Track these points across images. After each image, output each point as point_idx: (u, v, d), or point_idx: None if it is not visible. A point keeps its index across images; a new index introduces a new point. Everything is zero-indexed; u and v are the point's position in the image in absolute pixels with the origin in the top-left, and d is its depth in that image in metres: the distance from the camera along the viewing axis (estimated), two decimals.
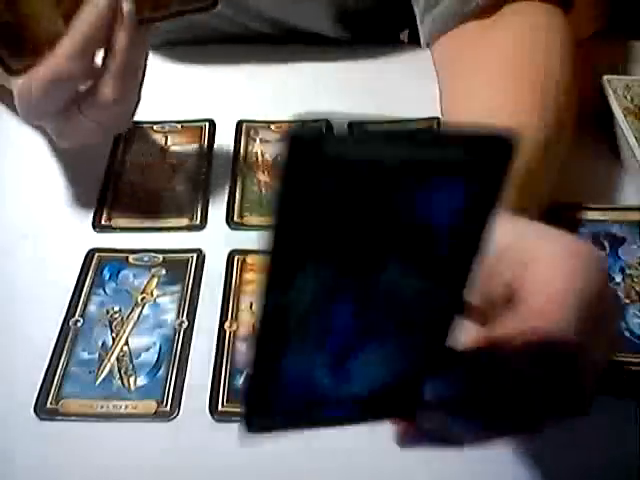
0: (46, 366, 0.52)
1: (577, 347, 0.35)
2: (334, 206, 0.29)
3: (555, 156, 0.56)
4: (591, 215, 0.61)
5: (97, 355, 0.52)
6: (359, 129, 0.29)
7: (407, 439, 0.37)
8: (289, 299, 0.31)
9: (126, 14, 0.53)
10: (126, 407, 0.50)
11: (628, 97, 0.69)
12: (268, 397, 0.33)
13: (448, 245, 0.31)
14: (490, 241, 0.34)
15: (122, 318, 0.55)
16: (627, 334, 0.52)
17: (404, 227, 0.31)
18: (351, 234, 0.30)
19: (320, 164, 0.28)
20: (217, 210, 0.63)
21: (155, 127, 0.71)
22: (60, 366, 0.52)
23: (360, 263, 0.31)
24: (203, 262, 0.59)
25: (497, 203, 0.30)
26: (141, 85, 0.58)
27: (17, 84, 0.56)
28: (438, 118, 0.65)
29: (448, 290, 0.33)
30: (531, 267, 0.36)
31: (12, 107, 0.62)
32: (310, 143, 0.27)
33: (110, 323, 0.54)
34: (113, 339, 0.53)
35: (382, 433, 0.48)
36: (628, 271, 0.56)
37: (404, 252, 0.31)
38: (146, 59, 0.57)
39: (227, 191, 0.64)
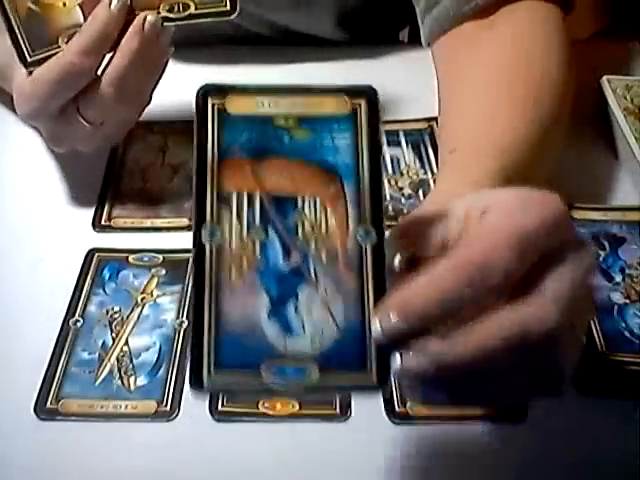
0: (46, 366, 0.52)
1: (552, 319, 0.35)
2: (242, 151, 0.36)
3: (548, 156, 0.57)
4: (591, 215, 0.61)
5: (97, 355, 0.52)
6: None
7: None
8: (219, 237, 0.35)
9: (148, 23, 0.54)
10: (126, 407, 0.50)
11: (628, 97, 0.69)
12: (214, 346, 0.34)
13: (353, 182, 0.36)
14: (456, 210, 0.39)
15: (122, 318, 0.55)
16: (627, 334, 0.52)
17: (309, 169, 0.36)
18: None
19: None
20: None
21: (155, 127, 0.71)
22: (60, 366, 0.52)
23: (276, 201, 0.36)
24: None
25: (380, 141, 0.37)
26: (152, 92, 0.58)
27: (17, 81, 0.56)
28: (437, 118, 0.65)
29: (365, 225, 0.36)
30: (483, 216, 0.37)
31: (9, 105, 0.62)
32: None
33: (110, 323, 0.54)
34: (113, 339, 0.53)
35: (377, 434, 0.48)
36: (628, 271, 0.56)
37: (314, 189, 0.36)
38: (165, 65, 0.57)
39: None
